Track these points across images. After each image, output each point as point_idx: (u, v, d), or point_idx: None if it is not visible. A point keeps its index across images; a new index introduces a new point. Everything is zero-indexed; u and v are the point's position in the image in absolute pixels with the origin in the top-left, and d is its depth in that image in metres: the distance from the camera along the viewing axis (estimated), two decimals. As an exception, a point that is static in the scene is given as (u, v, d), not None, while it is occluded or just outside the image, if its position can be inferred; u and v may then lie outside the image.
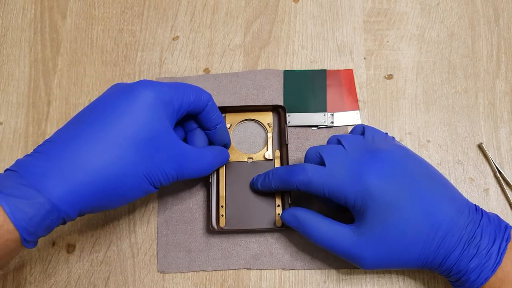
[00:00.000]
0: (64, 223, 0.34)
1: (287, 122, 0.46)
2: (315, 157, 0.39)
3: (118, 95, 0.35)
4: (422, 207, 0.36)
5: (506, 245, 0.35)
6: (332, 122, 0.47)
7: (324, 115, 0.47)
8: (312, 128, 0.47)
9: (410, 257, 0.36)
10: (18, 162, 0.33)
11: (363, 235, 0.36)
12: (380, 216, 0.36)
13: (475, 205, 0.37)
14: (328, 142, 0.41)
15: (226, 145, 0.44)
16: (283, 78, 0.48)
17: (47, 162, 0.32)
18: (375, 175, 0.36)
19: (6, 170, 0.33)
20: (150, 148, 0.35)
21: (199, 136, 0.42)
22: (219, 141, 0.42)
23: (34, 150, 0.34)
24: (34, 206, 0.31)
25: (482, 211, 0.37)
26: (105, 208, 0.35)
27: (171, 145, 0.36)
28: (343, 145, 0.39)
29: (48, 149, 0.33)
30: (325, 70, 0.48)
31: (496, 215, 0.37)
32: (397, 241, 0.36)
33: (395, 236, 0.35)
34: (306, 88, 0.48)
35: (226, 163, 0.44)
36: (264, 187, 0.42)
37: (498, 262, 0.34)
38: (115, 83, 0.49)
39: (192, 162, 0.38)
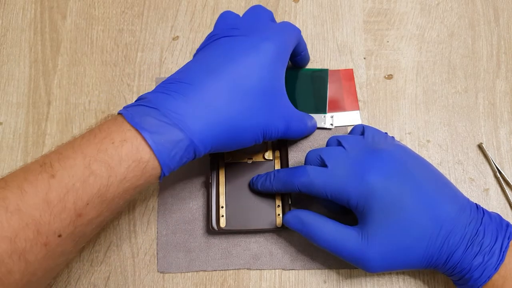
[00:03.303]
0: (192, 159, 0.35)
1: (287, 122, 0.46)
2: (316, 160, 0.39)
3: (243, 47, 0.37)
4: (425, 206, 0.36)
5: (508, 243, 0.35)
6: (332, 123, 0.46)
7: (324, 115, 0.47)
8: (312, 128, 0.47)
9: (414, 257, 0.36)
10: (153, 98, 0.34)
11: (367, 236, 0.36)
12: (384, 216, 0.36)
13: (476, 204, 0.38)
14: (328, 143, 0.41)
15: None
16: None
17: (186, 103, 0.34)
18: (377, 175, 0.36)
19: (139, 104, 0.34)
20: (271, 103, 0.37)
21: None
22: (304, 64, 0.47)
23: (164, 87, 0.35)
24: (177, 144, 0.33)
25: (483, 209, 0.37)
26: (222, 150, 0.37)
27: (284, 103, 0.40)
28: (343, 146, 0.39)
29: (185, 91, 0.35)
30: (325, 70, 0.48)
31: (497, 214, 0.37)
32: (401, 241, 0.36)
33: (399, 236, 0.35)
34: (306, 88, 0.48)
35: (226, 163, 0.44)
36: (265, 189, 0.42)
37: (501, 260, 0.34)
38: (115, 83, 0.49)
39: (295, 123, 0.41)
